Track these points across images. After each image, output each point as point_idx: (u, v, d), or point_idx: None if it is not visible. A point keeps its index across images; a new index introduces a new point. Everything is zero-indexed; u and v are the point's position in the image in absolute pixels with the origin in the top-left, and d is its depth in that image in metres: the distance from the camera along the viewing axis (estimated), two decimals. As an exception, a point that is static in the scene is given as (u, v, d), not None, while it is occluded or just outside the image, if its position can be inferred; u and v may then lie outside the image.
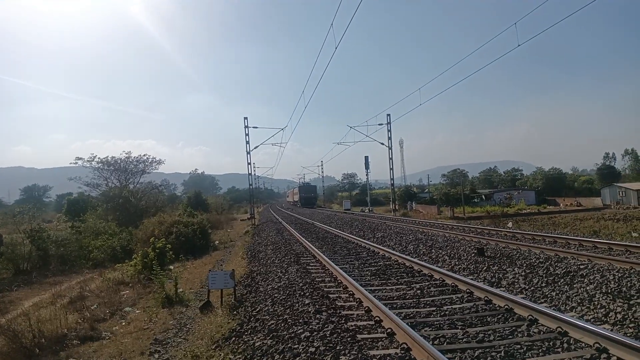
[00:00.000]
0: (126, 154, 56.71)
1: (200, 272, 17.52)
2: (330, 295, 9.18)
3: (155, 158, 59.34)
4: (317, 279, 11.09)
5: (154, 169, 60.31)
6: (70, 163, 53.83)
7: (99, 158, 54.57)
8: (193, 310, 11.25)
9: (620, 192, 69.83)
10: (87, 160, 53.64)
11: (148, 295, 14.12)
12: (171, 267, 18.97)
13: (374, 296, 8.43)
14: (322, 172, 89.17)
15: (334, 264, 12.26)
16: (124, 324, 11.13)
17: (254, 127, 42.39)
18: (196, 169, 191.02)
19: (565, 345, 5.75)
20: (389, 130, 42.18)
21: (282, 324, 7.49)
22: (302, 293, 9.51)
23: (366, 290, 8.91)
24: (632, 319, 6.49)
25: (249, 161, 42.33)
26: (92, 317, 11.51)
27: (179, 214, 35.44)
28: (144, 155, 58.64)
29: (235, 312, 9.43)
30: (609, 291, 7.89)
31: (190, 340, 8.80)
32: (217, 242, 29.70)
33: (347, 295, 9.25)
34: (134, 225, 32.75)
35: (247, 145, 41.62)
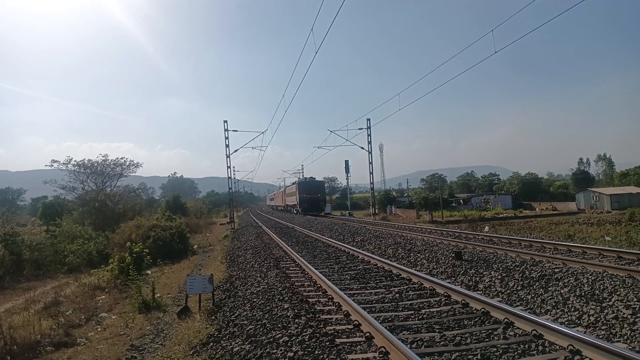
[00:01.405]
0: (103, 157, 55.97)
1: (179, 276, 17.33)
2: (310, 300, 9.17)
3: (133, 161, 58.78)
4: (296, 283, 11.07)
5: (132, 173, 59.65)
6: (46, 166, 52.91)
7: (75, 161, 53.76)
8: (170, 315, 11.11)
9: (594, 197, 71.43)
10: (63, 163, 52.79)
11: (125, 300, 13.90)
12: (148, 271, 18.73)
13: (353, 300, 8.46)
14: (303, 176, 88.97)
15: (313, 268, 12.25)
16: (99, 329, 10.94)
17: (233, 131, 42.14)
18: (175, 173, 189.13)
19: (540, 347, 5.85)
20: (369, 135, 42.42)
21: (261, 329, 7.45)
22: (281, 297, 9.48)
23: (345, 294, 8.93)
24: (605, 322, 6.65)
25: (228, 165, 42.11)
26: (66, 323, 11.27)
27: (157, 217, 35.01)
28: (122, 158, 57.97)
29: (213, 317, 9.35)
30: (583, 294, 8.05)
31: (168, 346, 8.70)
32: (195, 246, 29.41)
33: (326, 299, 9.25)
34: (111, 230, 32.22)
35: (227, 148, 41.40)
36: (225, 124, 40.89)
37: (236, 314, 8.91)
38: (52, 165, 52.50)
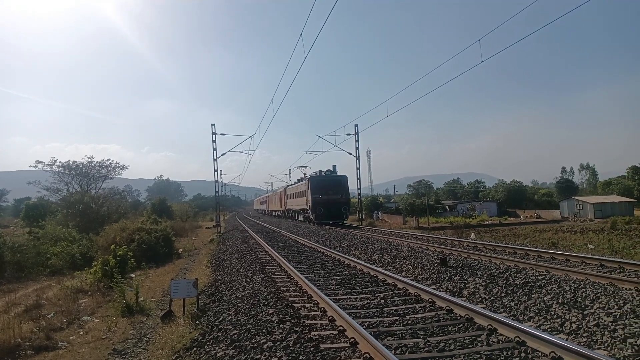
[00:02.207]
0: (88, 158, 55.43)
1: (163, 280, 17.18)
2: (295, 305, 9.15)
3: (118, 163, 58.36)
4: (282, 288, 11.04)
5: (117, 175, 59.18)
6: (30, 166, 52.27)
7: (60, 162, 53.18)
8: (154, 319, 11.01)
9: (578, 205, 72.41)
10: (48, 164, 52.24)
11: (108, 304, 13.73)
12: (132, 275, 18.53)
13: (338, 305, 8.44)
14: (290, 180, 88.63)
15: (299, 273, 12.23)
16: (81, 333, 10.79)
17: (221, 134, 41.99)
18: (161, 175, 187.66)
19: (522, 354, 5.89)
20: (357, 141, 42.49)
21: (245, 334, 7.41)
22: (266, 302, 9.44)
23: (331, 299, 8.92)
24: (586, 329, 6.73)
25: (215, 168, 41.92)
26: (48, 326, 11.11)
27: (142, 220, 34.70)
28: (107, 160, 57.55)
29: (197, 322, 9.28)
30: (565, 301, 8.14)
31: (151, 350, 8.61)
32: (181, 250, 29.18)
33: (311, 304, 9.24)
34: (95, 232, 31.86)
35: (214, 152, 41.24)
36: (213, 127, 40.75)
37: (220, 319, 8.85)
38: (36, 166, 51.93)
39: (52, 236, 29.24)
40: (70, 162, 54.01)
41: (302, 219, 44.26)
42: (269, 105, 33.35)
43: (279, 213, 63.22)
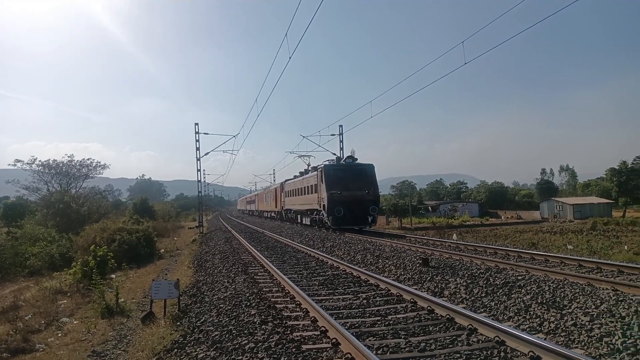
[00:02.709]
0: (69, 157, 54.60)
1: (144, 281, 17.00)
2: (277, 306, 9.12)
3: (100, 162, 57.56)
4: (264, 289, 11.00)
5: (99, 174, 58.38)
6: (9, 165, 51.37)
7: (39, 161, 52.29)
8: (134, 321, 10.89)
9: (558, 206, 73.61)
10: (27, 163, 51.36)
11: (87, 305, 13.55)
12: (113, 276, 18.30)
13: (321, 306, 8.45)
14: (274, 180, 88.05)
15: (282, 274, 12.20)
16: (60, 335, 10.63)
17: (204, 134, 41.68)
18: (143, 175, 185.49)
19: (502, 354, 5.96)
20: (341, 141, 42.43)
21: (227, 335, 7.37)
22: (248, 303, 9.40)
23: (313, 300, 8.92)
24: (564, 328, 6.83)
25: (198, 168, 41.62)
26: (25, 328, 10.92)
27: (123, 220, 34.30)
28: (88, 159, 56.70)
29: (178, 323, 9.20)
30: (544, 301, 8.25)
31: (130, 352, 8.52)
32: (162, 250, 28.92)
33: (294, 305, 9.22)
34: (75, 232, 31.40)
35: (197, 151, 40.94)
36: (196, 126, 40.46)
37: (202, 320, 8.79)
38: (15, 165, 51.01)
39: (30, 236, 28.78)
40: (51, 161, 53.15)
41: (309, 223, 33.99)
42: (253, 104, 33.09)
43: (273, 214, 53.02)
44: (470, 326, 6.96)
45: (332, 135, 42.13)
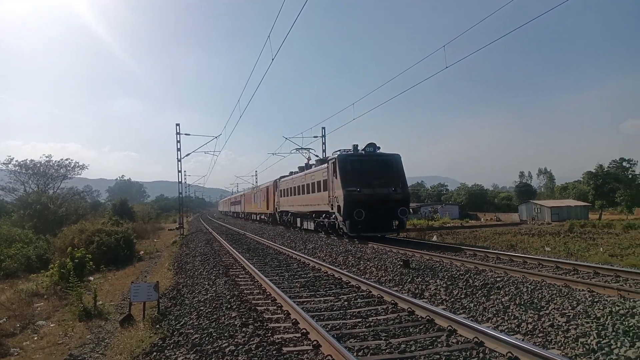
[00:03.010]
0: (47, 157, 53.67)
1: (123, 283, 16.77)
2: (258, 308, 9.08)
3: (78, 163, 56.75)
4: (245, 291, 10.94)
5: (77, 174, 57.58)
6: (-15, 165, 50.28)
7: (16, 161, 51.32)
8: (113, 324, 10.73)
9: (536, 209, 74.83)
10: (4, 163, 50.47)
11: (65, 308, 13.30)
12: (91, 278, 18.03)
13: (302, 308, 8.44)
14: (256, 182, 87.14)
15: (263, 276, 12.16)
16: (36, 338, 10.42)
17: (186, 134, 41.33)
18: (123, 176, 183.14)
19: (480, 355, 6.04)
20: (324, 143, 42.45)
21: (207, 338, 7.31)
22: (229, 306, 9.33)
23: (294, 302, 8.91)
24: (541, 329, 6.94)
25: (179, 169, 41.25)
26: (-1, 332, 10.68)
27: (102, 222, 33.79)
28: (66, 159, 55.88)
29: (158, 326, 9.09)
30: (522, 303, 8.38)
31: (109, 355, 8.40)
32: (142, 252, 28.56)
33: (275, 307, 9.20)
34: (53, 234, 30.82)
35: (178, 152, 40.58)
36: (178, 127, 40.13)
37: (182, 323, 8.70)
38: (-9, 165, 49.97)
39: (6, 237, 28.13)
40: (28, 161, 52.19)
41: (312, 228, 28.57)
42: (235, 105, 32.88)
43: (264, 217, 47.44)
44: (449, 327, 7.03)
45: (314, 137, 42.09)
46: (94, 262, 19.21)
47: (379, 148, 23.58)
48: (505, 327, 7.30)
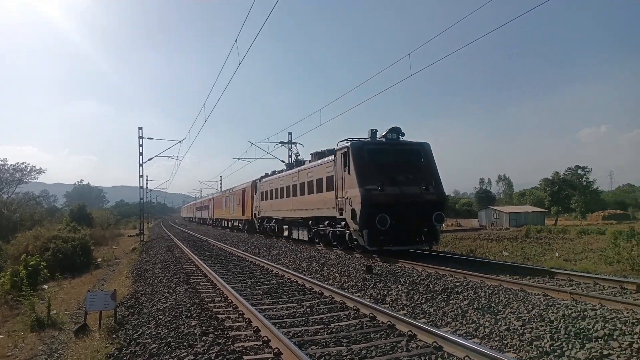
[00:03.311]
0: (2, 161, 51.63)
1: (79, 292, 16.20)
2: (219, 316, 8.95)
3: (35, 167, 54.85)
4: (206, 299, 10.77)
5: (33, 179, 55.71)
6: None
7: (-32, 164, 49.10)
8: (67, 334, 10.34)
9: (495, 215, 76.85)
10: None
11: (16, 318, 12.74)
12: (45, 286, 17.34)
13: (264, 315, 8.38)
14: (221, 187, 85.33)
15: (225, 283, 12.00)
16: (-18, 352, 9.92)
17: (149, 138, 40.45)
18: (82, 180, 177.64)
19: (439, 359, 6.14)
20: (290, 149, 42.40)
21: (165, 348, 7.15)
22: (189, 314, 9.17)
23: (256, 309, 8.83)
24: (498, 333, 7.11)
25: (141, 174, 40.31)
26: (-58, 345, 10.12)
27: (59, 228, 32.65)
28: (22, 163, 53.85)
29: (114, 336, 8.82)
30: (480, 307, 8.57)
31: (62, 367, 8.09)
32: (100, 259, 27.71)
33: (236, 315, 9.09)
34: (6, 240, 29.56)
35: (140, 156, 39.62)
36: (140, 130, 39.23)
37: (139, 332, 8.48)
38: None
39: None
40: (-20, 165, 50.02)
41: (307, 239, 23.32)
42: (201, 109, 32.41)
43: (238, 224, 42.50)
44: (410, 332, 7.11)
45: (281, 142, 41.87)
46: (49, 270, 18.50)
47: (403, 135, 18.45)
48: (464, 331, 7.44)
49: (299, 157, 29.17)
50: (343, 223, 18.24)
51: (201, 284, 13.15)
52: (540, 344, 6.47)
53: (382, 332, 7.45)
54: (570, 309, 7.88)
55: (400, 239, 16.51)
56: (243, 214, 39.24)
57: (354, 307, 9.09)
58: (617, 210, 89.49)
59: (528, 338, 6.72)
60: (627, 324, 6.99)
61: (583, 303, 8.49)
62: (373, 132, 18.59)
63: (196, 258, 18.75)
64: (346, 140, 18.77)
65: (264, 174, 34.66)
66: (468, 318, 8.01)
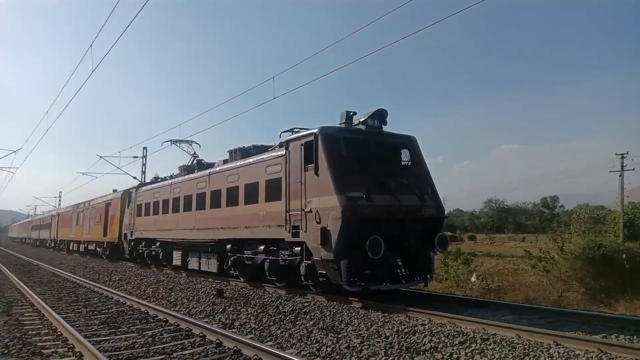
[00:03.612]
0: None
1: None
2: (45, 351, 7.98)
3: None
4: (30, 332, 9.53)
5: None
6: None
7: None
8: None
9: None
10: None
11: None
12: None
13: (98, 348, 7.67)
14: (60, 204, 75.98)
15: (55, 313, 10.75)
16: None
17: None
18: None
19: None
20: (144, 164, 39.80)
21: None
22: (6, 351, 8.01)
23: (89, 341, 8.04)
24: (339, 351, 7.41)
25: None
26: None
27: None
28: None
29: None
30: (325, 326, 8.89)
31: None
32: None
33: (66, 349, 8.17)
34: None
35: (-45, 169, 34.12)
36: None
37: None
38: None
39: None
40: None
41: (216, 271, 17.33)
42: (43, 117, 28.87)
43: (99, 248, 33.10)
44: (255, 356, 7.08)
45: (134, 157, 39.20)
46: None
47: (385, 124, 13.31)
48: (308, 351, 7.62)
49: (199, 159, 22.58)
50: (298, 249, 12.54)
51: (26, 314, 11.60)
52: (376, 359, 6.89)
53: (227, 358, 7.30)
54: (404, 325, 8.56)
55: (396, 273, 11.65)
56: (105, 235, 30.91)
57: (200, 334, 8.78)
58: (448, 232, 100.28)
59: (365, 354, 7.11)
60: (449, 336, 7.79)
61: (415, 319, 9.29)
62: (349, 115, 12.98)
63: (22, 285, 16.53)
64: (292, 131, 13.76)
65: (139, 182, 29.79)
66: (312, 338, 8.23)
